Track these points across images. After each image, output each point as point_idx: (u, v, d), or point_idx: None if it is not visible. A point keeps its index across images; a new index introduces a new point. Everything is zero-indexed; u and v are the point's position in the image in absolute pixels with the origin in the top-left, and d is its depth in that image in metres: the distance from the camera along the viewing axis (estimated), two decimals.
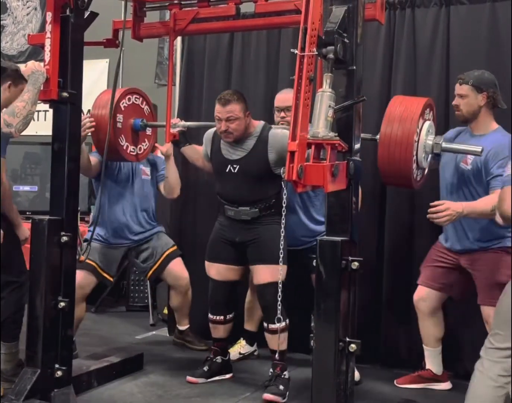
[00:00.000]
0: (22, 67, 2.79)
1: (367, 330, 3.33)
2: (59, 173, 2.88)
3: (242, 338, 3.80)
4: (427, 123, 2.85)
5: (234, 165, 3.26)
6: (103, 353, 3.66)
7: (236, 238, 3.31)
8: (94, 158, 3.58)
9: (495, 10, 3.49)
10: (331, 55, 2.12)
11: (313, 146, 2.07)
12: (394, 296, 3.64)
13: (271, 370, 3.21)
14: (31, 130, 5.80)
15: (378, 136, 2.89)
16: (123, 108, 3.44)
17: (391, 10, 3.68)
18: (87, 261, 3.60)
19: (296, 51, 2.07)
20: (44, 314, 2.80)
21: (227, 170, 3.28)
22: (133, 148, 3.51)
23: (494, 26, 3.49)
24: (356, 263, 2.26)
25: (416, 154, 2.79)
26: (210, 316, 3.41)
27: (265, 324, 3.24)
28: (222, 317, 3.38)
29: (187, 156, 3.57)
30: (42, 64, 2.79)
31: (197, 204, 4.17)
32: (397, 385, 3.40)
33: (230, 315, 3.40)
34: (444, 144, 2.86)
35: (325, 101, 2.09)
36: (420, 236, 3.59)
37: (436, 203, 2.86)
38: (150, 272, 3.77)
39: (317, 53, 2.08)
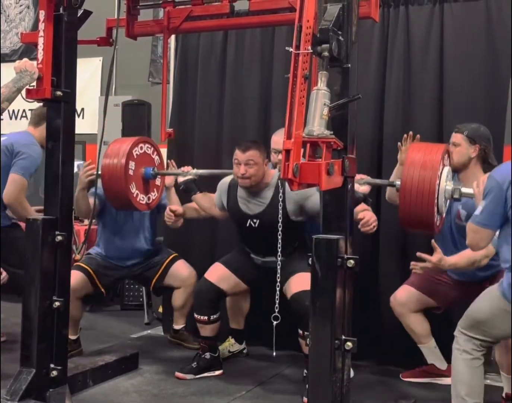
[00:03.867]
0: (15, 64, 2.78)
1: (364, 327, 3.33)
2: (53, 173, 2.86)
3: (230, 337, 3.81)
4: (446, 168, 2.87)
5: (254, 220, 3.31)
6: (98, 352, 3.65)
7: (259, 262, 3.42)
8: (92, 199, 3.59)
9: (489, 7, 3.49)
10: (326, 53, 2.11)
11: (308, 145, 2.07)
12: (390, 291, 3.64)
13: (305, 371, 3.17)
14: (24, 129, 5.78)
15: (397, 182, 2.93)
16: (135, 156, 3.40)
17: (385, 7, 3.69)
18: (84, 265, 3.66)
19: (291, 49, 2.07)
20: (38, 314, 2.78)
21: (247, 225, 3.33)
22: (143, 197, 3.48)
23: (488, 24, 3.49)
24: (352, 261, 2.26)
25: (437, 200, 2.80)
26: (195, 315, 3.46)
27: (300, 331, 3.19)
28: (206, 317, 3.41)
29: (198, 204, 3.55)
30: (34, 63, 2.78)
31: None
32: (402, 379, 3.44)
33: (215, 316, 3.42)
34: (463, 190, 2.87)
35: (320, 99, 2.09)
36: (415, 233, 3.59)
37: (434, 244, 2.92)
38: (154, 280, 3.82)
39: (312, 51, 2.07)
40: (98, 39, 3.44)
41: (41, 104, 3.32)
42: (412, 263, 2.99)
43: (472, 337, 2.62)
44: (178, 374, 3.40)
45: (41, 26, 2.77)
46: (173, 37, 4.40)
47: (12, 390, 2.72)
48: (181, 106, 4.27)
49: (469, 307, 2.71)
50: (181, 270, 3.81)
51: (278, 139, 3.40)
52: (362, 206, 3.10)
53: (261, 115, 4.04)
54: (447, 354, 3.24)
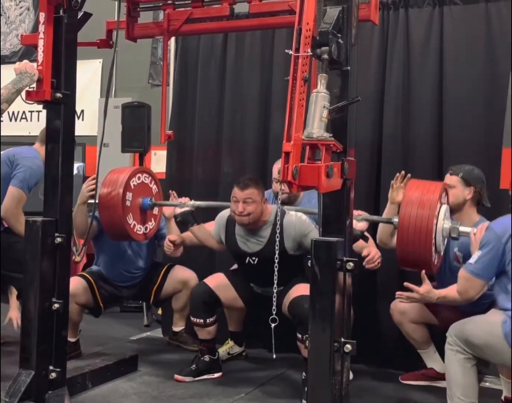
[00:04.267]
0: (15, 65, 2.78)
1: (364, 330, 3.33)
2: (52, 175, 2.87)
3: (230, 339, 3.82)
4: (444, 207, 2.88)
5: (253, 258, 3.34)
6: (97, 354, 3.65)
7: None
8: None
9: (489, 10, 3.50)
10: (325, 56, 2.11)
11: (308, 147, 2.07)
12: (389, 294, 3.64)
13: (304, 374, 3.15)
14: (24, 130, 5.80)
15: (394, 220, 2.95)
16: (132, 187, 3.42)
17: (385, 10, 3.69)
18: (87, 275, 3.70)
19: (290, 52, 2.07)
20: (38, 316, 2.78)
21: (246, 262, 3.36)
22: (140, 227, 3.49)
23: (487, 27, 3.50)
24: (351, 263, 2.26)
25: (435, 239, 2.81)
26: (191, 317, 3.46)
27: (299, 335, 3.16)
28: (202, 320, 3.41)
29: (195, 236, 3.54)
30: (35, 65, 2.78)
31: None
32: (401, 381, 3.43)
33: (211, 319, 3.42)
34: (461, 229, 2.87)
35: (319, 102, 2.09)
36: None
37: (424, 275, 2.84)
38: (153, 291, 3.83)
39: (311, 53, 2.08)
40: (98, 41, 3.44)
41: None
42: (397, 293, 2.95)
43: (463, 348, 2.64)
44: (177, 376, 3.40)
45: (41, 28, 2.77)
46: (173, 39, 4.40)
47: (11, 392, 2.72)
48: (181, 108, 4.27)
49: (464, 322, 2.71)
50: (182, 273, 3.82)
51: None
52: (361, 242, 3.09)
53: (261, 117, 4.05)
54: None
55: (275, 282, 2.65)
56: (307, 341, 2.30)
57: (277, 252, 2.50)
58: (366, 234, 3.12)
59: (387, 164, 3.67)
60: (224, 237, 3.44)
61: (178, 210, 3.50)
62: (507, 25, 3.43)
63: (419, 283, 2.89)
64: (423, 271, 2.86)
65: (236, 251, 3.41)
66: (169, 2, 3.35)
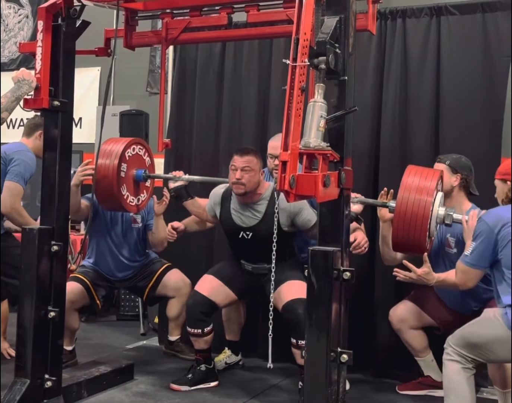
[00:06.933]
0: (13, 74, 2.79)
1: (360, 339, 3.32)
2: (49, 182, 2.87)
3: (227, 348, 3.80)
4: (439, 194, 2.92)
5: (247, 232, 3.32)
6: (93, 363, 3.63)
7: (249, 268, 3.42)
8: (84, 201, 3.58)
9: (486, 20, 3.52)
10: (322, 66, 2.12)
11: (305, 156, 2.07)
12: (386, 304, 3.64)
13: (300, 383, 3.13)
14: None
15: (390, 204, 2.97)
16: (127, 158, 3.41)
17: (382, 20, 3.71)
18: (82, 277, 3.66)
19: (288, 62, 2.08)
20: (34, 324, 2.78)
21: (240, 236, 3.35)
22: (133, 199, 3.48)
23: (484, 37, 3.52)
24: (348, 273, 2.26)
25: (429, 224, 2.83)
26: (188, 328, 3.42)
27: (293, 340, 3.16)
28: (199, 331, 3.38)
29: (189, 210, 3.55)
30: (32, 72, 2.78)
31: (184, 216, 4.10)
32: (398, 391, 3.42)
33: (208, 328, 3.40)
34: (455, 216, 2.91)
35: (316, 111, 2.09)
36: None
37: (425, 258, 2.86)
38: (147, 290, 3.82)
39: (308, 63, 2.08)
40: (96, 49, 3.44)
41: (33, 115, 3.31)
42: (395, 269, 2.96)
43: (465, 355, 2.63)
44: (173, 385, 3.38)
45: (39, 36, 2.78)
46: (171, 47, 4.41)
47: (5, 401, 2.71)
48: (179, 116, 4.28)
49: (462, 328, 2.71)
50: (175, 279, 3.80)
51: (274, 144, 3.39)
52: (354, 224, 3.09)
53: (258, 126, 4.06)
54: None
55: (272, 291, 2.66)
56: (303, 351, 2.29)
57: (275, 231, 2.47)
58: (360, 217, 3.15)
59: (384, 174, 3.68)
60: (218, 211, 3.43)
61: (172, 184, 3.49)
62: (504, 35, 3.45)
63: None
64: (425, 254, 2.88)
65: (230, 225, 3.39)
66: (167, 11, 3.36)
